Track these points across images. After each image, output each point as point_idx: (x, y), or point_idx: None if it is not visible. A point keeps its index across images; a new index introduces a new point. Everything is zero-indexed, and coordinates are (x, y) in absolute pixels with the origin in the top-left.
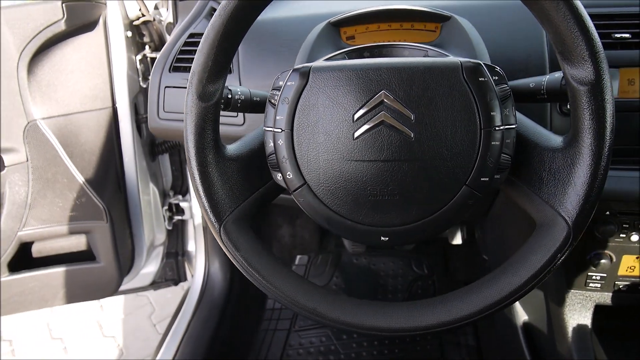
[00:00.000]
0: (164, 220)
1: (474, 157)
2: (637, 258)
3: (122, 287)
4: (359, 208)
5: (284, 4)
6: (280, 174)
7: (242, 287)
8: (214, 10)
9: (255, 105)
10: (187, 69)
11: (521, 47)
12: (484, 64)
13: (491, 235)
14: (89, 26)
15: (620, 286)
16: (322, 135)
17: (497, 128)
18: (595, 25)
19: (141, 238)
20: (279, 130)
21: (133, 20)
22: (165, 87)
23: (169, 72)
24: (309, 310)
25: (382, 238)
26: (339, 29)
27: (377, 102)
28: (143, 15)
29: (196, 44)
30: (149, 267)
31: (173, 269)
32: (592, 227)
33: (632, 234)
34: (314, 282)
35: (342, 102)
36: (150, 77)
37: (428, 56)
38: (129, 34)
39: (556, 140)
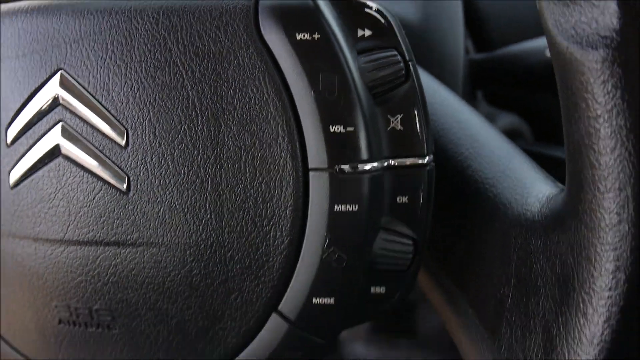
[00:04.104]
0: None
1: (284, 245)
2: None
3: None
4: (47, 344)
5: None
6: None
7: None
8: None
9: None
10: None
11: None
12: None
13: None
14: None
15: None
16: None
17: (354, 169)
18: None
19: None
20: None
21: None
22: None
23: None
24: None
25: None
26: None
27: (47, 101)
28: None
29: None
30: None
31: None
32: None
33: None
34: None
35: None
36: None
37: None
38: None
39: (539, 199)
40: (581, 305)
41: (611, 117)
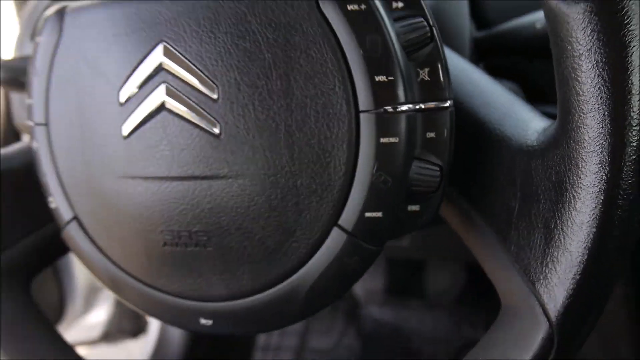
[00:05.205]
0: None
1: (342, 172)
2: None
3: None
4: (153, 264)
5: None
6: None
7: (208, 349)
8: None
9: None
10: None
11: None
12: None
13: None
14: None
15: None
16: (85, 131)
17: (394, 109)
18: None
19: (72, 277)
20: (32, 123)
21: None
22: None
23: None
24: None
25: (202, 321)
26: None
27: (153, 68)
28: None
29: None
30: (96, 315)
31: (130, 318)
32: None
33: None
34: (317, 341)
35: (105, 69)
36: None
37: None
38: None
39: (536, 131)
40: (572, 200)
41: (590, 54)
